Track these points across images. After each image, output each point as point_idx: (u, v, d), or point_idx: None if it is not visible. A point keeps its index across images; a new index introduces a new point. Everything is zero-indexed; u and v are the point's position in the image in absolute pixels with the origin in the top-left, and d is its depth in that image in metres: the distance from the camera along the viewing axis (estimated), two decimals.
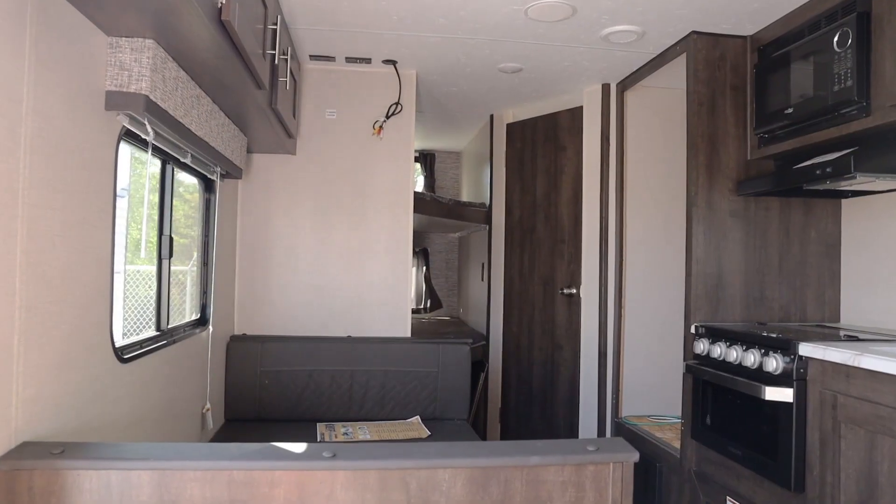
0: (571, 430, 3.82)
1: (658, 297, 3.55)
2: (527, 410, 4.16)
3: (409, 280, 3.56)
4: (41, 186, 1.40)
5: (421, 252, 5.86)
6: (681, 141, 3.20)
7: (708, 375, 2.57)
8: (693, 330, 2.74)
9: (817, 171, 2.30)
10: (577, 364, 3.80)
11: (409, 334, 3.51)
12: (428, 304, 5.78)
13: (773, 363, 2.16)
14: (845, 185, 2.50)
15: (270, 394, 3.22)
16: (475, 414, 4.41)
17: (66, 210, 1.51)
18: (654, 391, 3.53)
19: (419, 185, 5.97)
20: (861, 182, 2.32)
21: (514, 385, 4.28)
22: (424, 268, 5.85)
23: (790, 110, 2.50)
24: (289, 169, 3.47)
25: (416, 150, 4.60)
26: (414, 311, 4.28)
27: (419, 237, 5.85)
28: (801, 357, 2.08)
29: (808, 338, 2.16)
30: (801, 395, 2.08)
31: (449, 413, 3.34)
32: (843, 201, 2.87)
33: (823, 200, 2.86)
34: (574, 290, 3.86)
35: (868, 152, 2.17)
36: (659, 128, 3.59)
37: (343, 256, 3.49)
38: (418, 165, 5.99)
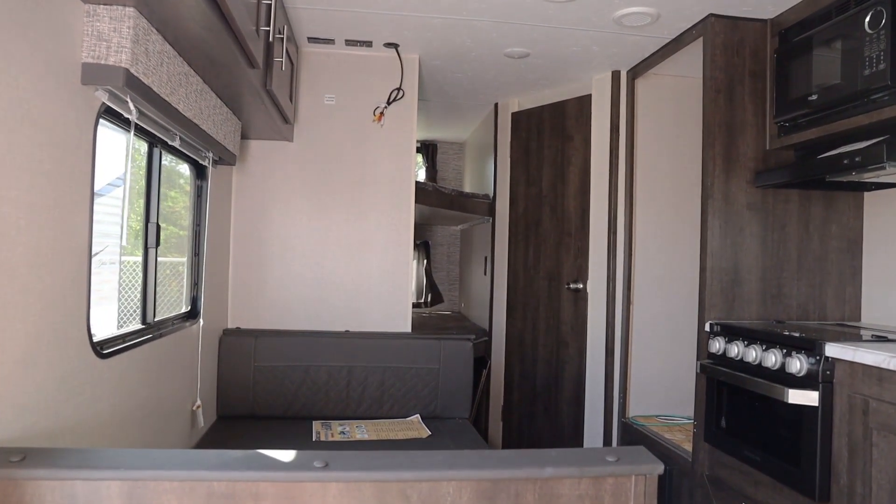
0: (576, 430, 3.69)
1: (668, 293, 3.42)
2: (530, 409, 4.04)
3: (410, 273, 3.42)
4: (2, 164, 1.26)
5: (422, 245, 5.72)
6: (693, 131, 3.07)
7: (724, 376, 2.44)
8: (708, 328, 2.61)
9: (845, 161, 2.16)
10: (583, 362, 3.67)
11: (409, 329, 3.38)
12: (429, 299, 5.65)
13: (797, 364, 2.03)
14: (871, 177, 2.37)
15: (265, 390, 3.09)
16: (476, 412, 4.29)
17: (34, 192, 1.37)
18: (663, 390, 3.41)
19: (420, 177, 5.83)
20: (890, 173, 2.19)
21: (517, 383, 4.15)
22: (425, 261, 5.72)
23: (814, 97, 2.36)
24: (286, 156, 3.33)
25: (417, 141, 4.46)
26: (414, 306, 4.15)
27: (420, 230, 5.71)
28: (827, 358, 1.95)
29: (835, 338, 2.03)
30: (827, 399, 1.95)
31: (450, 411, 3.22)
32: (866, 194, 2.74)
33: (845, 193, 2.73)
34: (581, 285, 3.73)
35: None
36: (671, 117, 3.46)
37: (342, 248, 3.36)
38: (420, 156, 5.85)
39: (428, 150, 5.89)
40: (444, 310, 5.83)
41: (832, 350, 1.93)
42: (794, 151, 2.66)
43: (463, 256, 5.84)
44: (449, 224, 5.68)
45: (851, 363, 1.87)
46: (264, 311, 3.30)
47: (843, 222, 2.73)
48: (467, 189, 5.53)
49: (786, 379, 2.09)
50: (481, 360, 4.29)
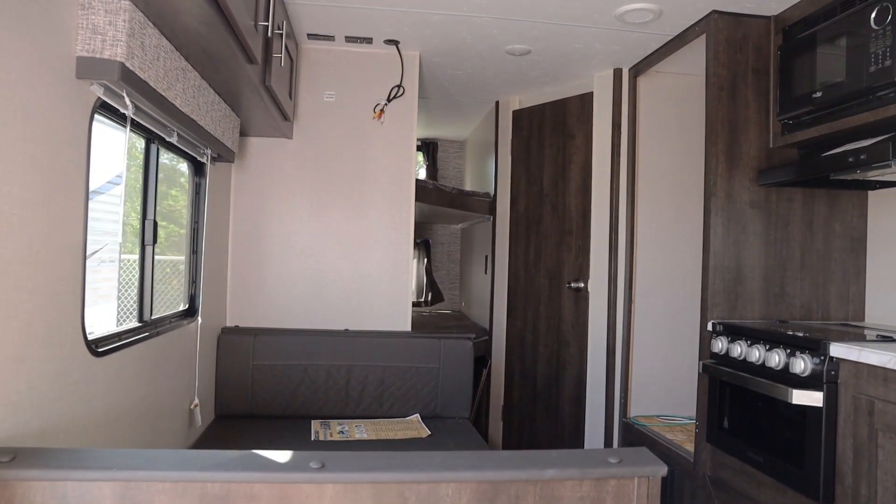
0: (577, 430, 3.67)
1: (669, 292, 3.40)
2: (530, 409, 4.02)
3: (410, 272, 3.40)
4: None
5: (422, 243, 5.70)
6: (696, 130, 3.04)
7: (726, 376, 2.42)
8: (710, 327, 2.58)
9: (850, 159, 2.14)
10: (583, 361, 3.65)
11: (409, 328, 3.36)
12: (429, 297, 5.63)
13: (801, 364, 2.01)
14: (875, 175, 2.35)
15: (263, 389, 3.07)
16: (476, 412, 4.27)
17: (28, 188, 1.35)
18: (664, 390, 3.38)
19: (421, 175, 5.81)
20: (895, 171, 2.16)
21: (517, 382, 4.13)
22: (426, 260, 5.70)
23: (818, 94, 2.33)
24: (285, 153, 3.31)
25: (418, 139, 4.43)
26: (414, 304, 4.13)
27: (420, 228, 5.69)
28: (832, 358, 1.93)
29: (839, 337, 2.00)
30: (831, 400, 1.93)
31: (450, 411, 3.20)
32: (870, 193, 2.71)
33: (849, 192, 2.70)
34: (582, 285, 3.70)
35: None
36: (673, 116, 3.43)
37: (341, 246, 3.34)
38: (420, 155, 5.82)
39: (428, 148, 5.86)
40: (444, 309, 5.81)
41: (837, 350, 1.91)
42: (798, 149, 2.64)
43: (463, 255, 5.82)
44: (449, 222, 5.65)
45: (856, 363, 1.85)
46: (263, 309, 3.28)
47: (847, 221, 2.71)
48: (468, 187, 5.51)
49: (789, 379, 2.07)
50: (481, 360, 4.27)
